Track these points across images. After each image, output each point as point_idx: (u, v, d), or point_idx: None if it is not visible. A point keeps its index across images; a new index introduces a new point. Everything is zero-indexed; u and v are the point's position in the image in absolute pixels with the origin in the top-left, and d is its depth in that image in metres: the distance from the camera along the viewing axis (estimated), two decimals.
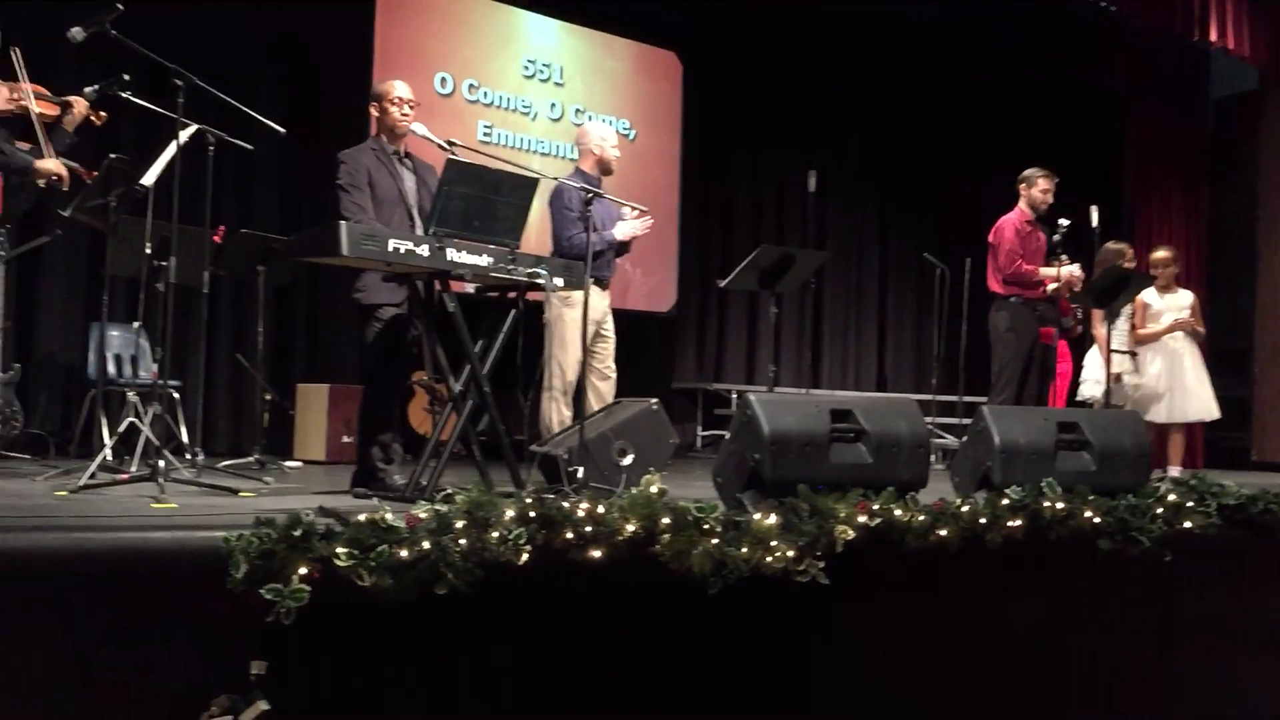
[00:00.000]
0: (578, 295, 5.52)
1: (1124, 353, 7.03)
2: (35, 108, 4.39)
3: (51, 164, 4.29)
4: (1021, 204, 6.93)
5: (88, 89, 4.63)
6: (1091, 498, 4.14)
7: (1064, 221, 6.55)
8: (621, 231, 5.70)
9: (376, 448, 4.62)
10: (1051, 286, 6.74)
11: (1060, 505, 4.05)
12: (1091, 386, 7.08)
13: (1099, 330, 7.00)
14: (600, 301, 5.73)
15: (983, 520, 3.88)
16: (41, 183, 4.35)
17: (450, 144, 4.66)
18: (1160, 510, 4.23)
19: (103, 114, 4.65)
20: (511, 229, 4.39)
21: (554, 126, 9.31)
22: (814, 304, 10.55)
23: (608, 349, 5.80)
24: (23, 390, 6.44)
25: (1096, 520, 4.09)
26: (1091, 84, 11.17)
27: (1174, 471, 6.60)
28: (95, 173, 4.74)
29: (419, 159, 4.89)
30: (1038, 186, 6.89)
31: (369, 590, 2.86)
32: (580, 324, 5.48)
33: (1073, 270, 6.68)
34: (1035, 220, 6.89)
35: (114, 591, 2.83)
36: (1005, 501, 3.99)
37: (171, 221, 4.45)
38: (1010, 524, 3.93)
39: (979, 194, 8.64)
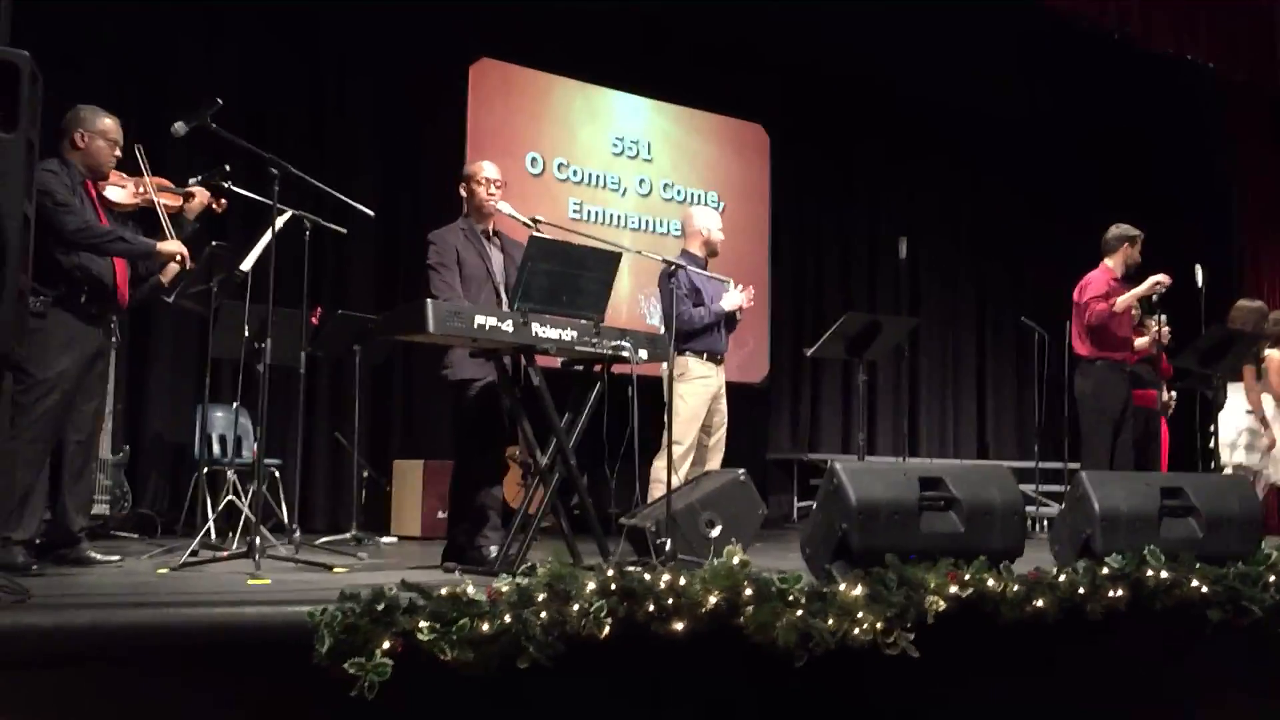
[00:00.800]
0: (693, 369, 5.58)
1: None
2: (159, 199, 4.61)
3: (173, 245, 4.50)
4: (1109, 262, 6.61)
5: (192, 180, 4.82)
6: (1198, 566, 3.96)
7: (1164, 278, 6.29)
8: (728, 303, 5.75)
9: (469, 522, 4.66)
10: (1140, 341, 6.48)
11: (1165, 574, 3.88)
12: (1233, 452, 6.71)
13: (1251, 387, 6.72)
14: (716, 376, 5.77)
15: (1081, 590, 3.73)
16: (165, 265, 4.55)
17: (534, 221, 4.75)
18: (1273, 579, 4.03)
19: (224, 201, 4.86)
20: (595, 303, 4.44)
21: (643, 201, 9.43)
22: (910, 372, 10.43)
23: (720, 423, 5.83)
24: (132, 471, 6.68)
25: (1204, 590, 3.91)
26: (1200, 138, 10.94)
27: None
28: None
29: (507, 237, 4.99)
30: (1137, 247, 6.57)
31: (451, 664, 2.86)
32: (695, 397, 5.52)
33: (1160, 277, 6.30)
34: (1122, 280, 6.57)
35: (206, 666, 2.89)
36: (1106, 571, 3.84)
37: (268, 304, 4.59)
38: (1111, 594, 3.78)
39: (1078, 255, 8.49)
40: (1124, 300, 6.36)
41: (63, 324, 4.31)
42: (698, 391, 5.63)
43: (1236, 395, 6.74)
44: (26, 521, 4.20)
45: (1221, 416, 6.84)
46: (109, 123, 4.54)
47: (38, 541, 4.31)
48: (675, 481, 5.49)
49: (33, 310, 4.10)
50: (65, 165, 4.42)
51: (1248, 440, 6.64)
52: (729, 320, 5.85)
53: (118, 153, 4.58)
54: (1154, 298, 6.34)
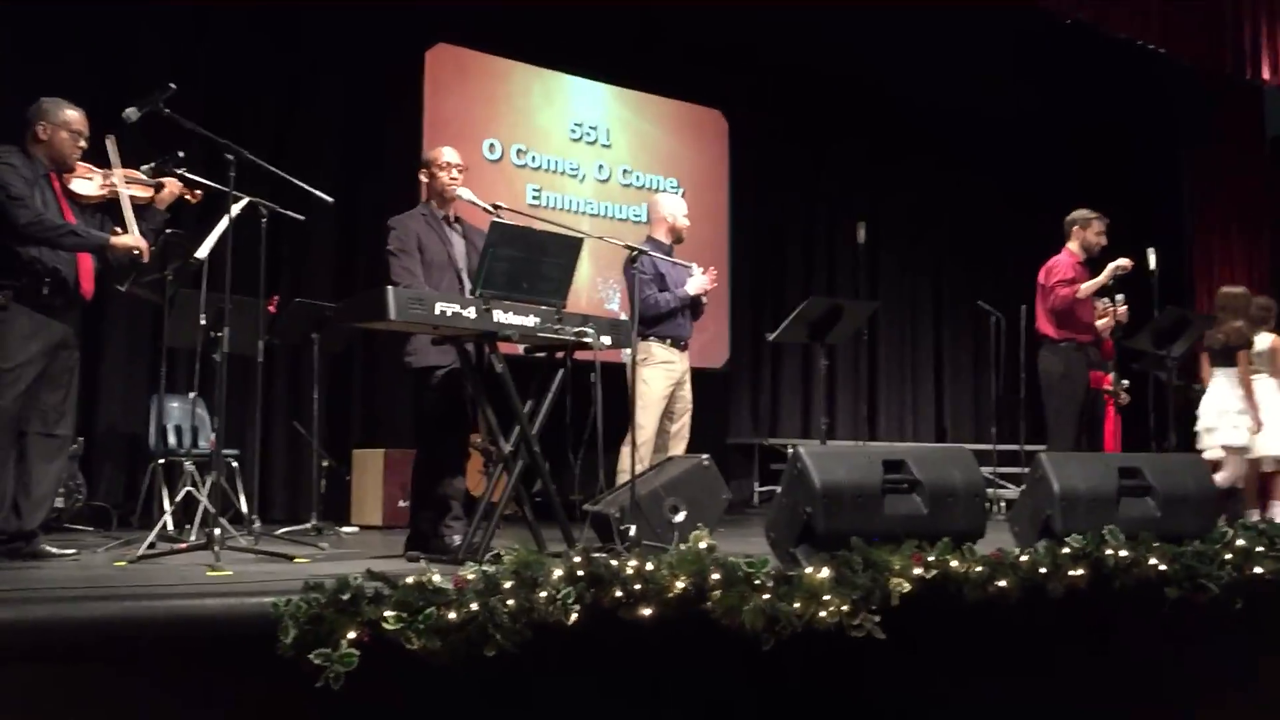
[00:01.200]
0: (657, 354, 5.58)
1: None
2: (127, 191, 4.54)
3: (129, 239, 4.44)
4: (1072, 245, 6.68)
5: (144, 166, 4.75)
6: (1156, 544, 4.02)
7: (1125, 262, 6.40)
8: (693, 286, 5.75)
9: (433, 510, 4.63)
10: (1100, 322, 6.56)
11: (1124, 553, 3.94)
12: (1211, 436, 6.80)
13: (1209, 374, 6.83)
14: (680, 361, 5.77)
15: (1043, 570, 3.78)
16: (120, 257, 4.49)
17: (496, 207, 4.72)
18: (1229, 556, 4.11)
19: (198, 193, 4.79)
20: (558, 289, 4.42)
21: (602, 188, 9.40)
22: (869, 356, 10.48)
23: (685, 409, 5.83)
24: (86, 463, 6.57)
25: (1162, 568, 3.97)
26: (1147, 123, 11.07)
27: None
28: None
29: (468, 224, 4.95)
30: (1092, 229, 6.63)
31: (418, 653, 2.84)
32: (659, 382, 5.52)
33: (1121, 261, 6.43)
34: (1085, 264, 6.65)
35: (168, 659, 2.85)
36: (1066, 550, 3.89)
37: (225, 292, 4.53)
38: (1072, 573, 3.82)
39: (1032, 239, 8.58)
40: (1087, 287, 6.43)
41: (25, 316, 4.30)
42: (661, 376, 5.63)
43: (1218, 381, 6.81)
44: None
45: (1204, 401, 6.90)
46: (73, 114, 4.50)
47: None
48: (640, 467, 5.50)
49: None
50: (27, 157, 4.39)
51: (1233, 422, 6.70)
52: (694, 306, 5.86)
53: (82, 144, 4.54)
54: (1111, 281, 6.42)
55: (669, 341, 5.70)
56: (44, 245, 4.32)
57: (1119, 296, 6.51)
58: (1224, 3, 9.55)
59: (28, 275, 4.29)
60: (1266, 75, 9.53)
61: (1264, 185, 10.96)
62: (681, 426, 5.81)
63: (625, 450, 5.44)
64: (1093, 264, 6.68)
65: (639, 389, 5.48)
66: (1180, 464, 4.62)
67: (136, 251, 4.48)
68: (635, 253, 4.87)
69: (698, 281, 5.76)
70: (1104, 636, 4.01)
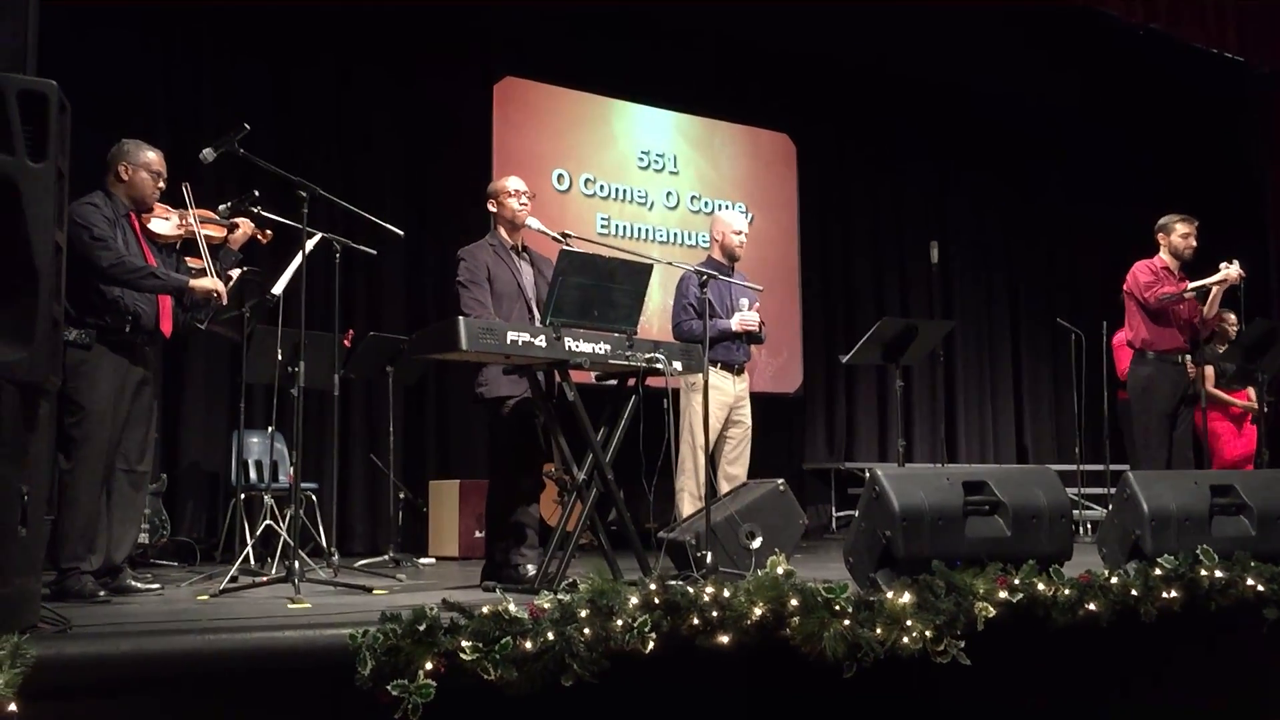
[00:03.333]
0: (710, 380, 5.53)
1: None
2: (202, 232, 4.65)
3: (208, 282, 4.54)
4: (1162, 254, 6.40)
5: (221, 206, 4.84)
6: (1253, 564, 3.88)
7: (1232, 273, 6.14)
8: (735, 322, 5.70)
9: (508, 540, 4.63)
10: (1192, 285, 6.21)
11: (1219, 574, 3.81)
12: None
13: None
14: (731, 386, 5.71)
15: (1134, 592, 3.67)
16: (198, 299, 4.61)
17: (564, 235, 4.73)
18: None
19: (269, 232, 4.89)
20: (628, 315, 4.40)
21: (670, 214, 9.41)
22: (946, 377, 10.33)
23: (740, 434, 5.76)
24: (170, 499, 6.69)
25: (1260, 588, 3.83)
26: (1232, 132, 10.79)
27: None
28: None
29: (536, 252, 4.97)
30: (1177, 233, 6.36)
31: (495, 683, 2.83)
32: (706, 409, 5.47)
33: (1230, 272, 6.15)
34: (1176, 271, 6.36)
35: (250, 692, 2.87)
36: (1158, 572, 3.77)
37: (300, 328, 4.58)
38: (1165, 595, 3.70)
39: (1112, 252, 8.39)
40: (1194, 286, 6.18)
41: (108, 355, 4.38)
42: (710, 401, 5.56)
43: None
44: (94, 553, 4.27)
45: None
46: (152, 155, 4.60)
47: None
48: (693, 486, 5.45)
49: (79, 343, 4.25)
50: (109, 198, 4.49)
51: None
52: (750, 335, 5.80)
53: (161, 185, 4.65)
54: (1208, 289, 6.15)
55: (719, 365, 5.63)
56: (125, 287, 4.41)
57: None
58: None
59: (110, 314, 4.38)
60: None
61: None
62: (740, 451, 5.74)
63: (681, 476, 5.40)
64: (1190, 270, 6.38)
65: (686, 415, 5.46)
66: (1276, 480, 4.46)
67: (215, 295, 4.58)
68: (703, 277, 4.81)
69: (740, 318, 5.72)
70: (1199, 661, 3.87)
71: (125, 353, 4.44)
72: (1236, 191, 10.70)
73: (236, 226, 4.81)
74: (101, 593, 4.21)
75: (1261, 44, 9.41)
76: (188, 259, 4.73)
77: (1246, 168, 10.90)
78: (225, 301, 4.68)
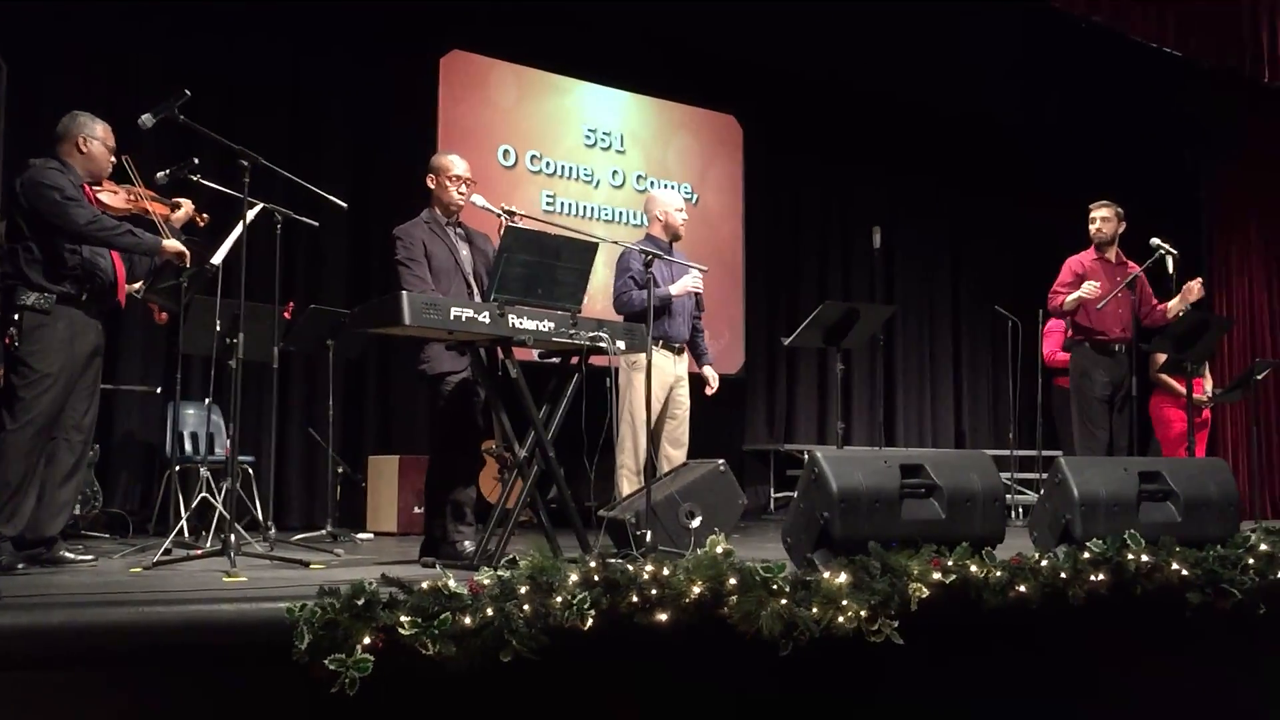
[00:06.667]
0: (643, 358, 5.52)
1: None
2: (149, 207, 4.62)
3: (176, 243, 4.52)
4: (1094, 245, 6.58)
5: (159, 174, 4.76)
6: (1178, 549, 3.98)
7: (1157, 241, 6.28)
8: (675, 288, 5.66)
9: (446, 516, 4.62)
10: (1071, 297, 6.26)
11: (1145, 558, 3.89)
12: None
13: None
14: (671, 365, 5.70)
15: (1064, 575, 3.74)
16: (166, 260, 4.66)
17: (509, 212, 4.70)
18: (1251, 561, 4.06)
19: (206, 216, 4.87)
20: (573, 294, 4.41)
21: (616, 193, 9.40)
22: (885, 361, 10.44)
23: (681, 414, 5.76)
24: (103, 470, 6.58)
25: (1184, 573, 3.93)
26: (1167, 124, 10.98)
27: None
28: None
29: (471, 228, 4.94)
30: (1091, 222, 6.53)
31: (433, 659, 2.83)
32: (649, 387, 5.48)
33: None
34: (1114, 258, 6.51)
35: (184, 665, 2.84)
36: (1087, 556, 3.85)
37: (240, 299, 4.53)
38: (1093, 579, 3.78)
39: (1051, 242, 8.52)
40: (1072, 300, 6.26)
41: (65, 320, 4.35)
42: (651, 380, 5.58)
43: None
44: (16, 518, 4.20)
45: None
46: (105, 128, 4.60)
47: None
48: (633, 464, 5.45)
49: (38, 307, 4.28)
50: (65, 168, 4.44)
51: None
52: (698, 304, 5.80)
53: (113, 158, 4.63)
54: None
55: (660, 343, 5.58)
56: (100, 245, 4.39)
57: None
58: (1242, 4, 9.48)
59: (71, 280, 4.36)
60: None
61: None
62: (679, 431, 5.73)
63: (620, 455, 5.40)
64: (1128, 252, 6.54)
65: (627, 392, 5.46)
66: (1202, 468, 4.57)
67: (180, 255, 4.55)
68: (647, 256, 4.81)
69: (682, 283, 5.66)
70: (1125, 643, 3.97)
71: (81, 320, 4.40)
72: (1174, 184, 10.92)
73: (179, 206, 4.78)
74: (19, 565, 4.14)
75: (1200, 39, 9.57)
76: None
77: (1182, 162, 11.13)
78: (187, 264, 4.66)
